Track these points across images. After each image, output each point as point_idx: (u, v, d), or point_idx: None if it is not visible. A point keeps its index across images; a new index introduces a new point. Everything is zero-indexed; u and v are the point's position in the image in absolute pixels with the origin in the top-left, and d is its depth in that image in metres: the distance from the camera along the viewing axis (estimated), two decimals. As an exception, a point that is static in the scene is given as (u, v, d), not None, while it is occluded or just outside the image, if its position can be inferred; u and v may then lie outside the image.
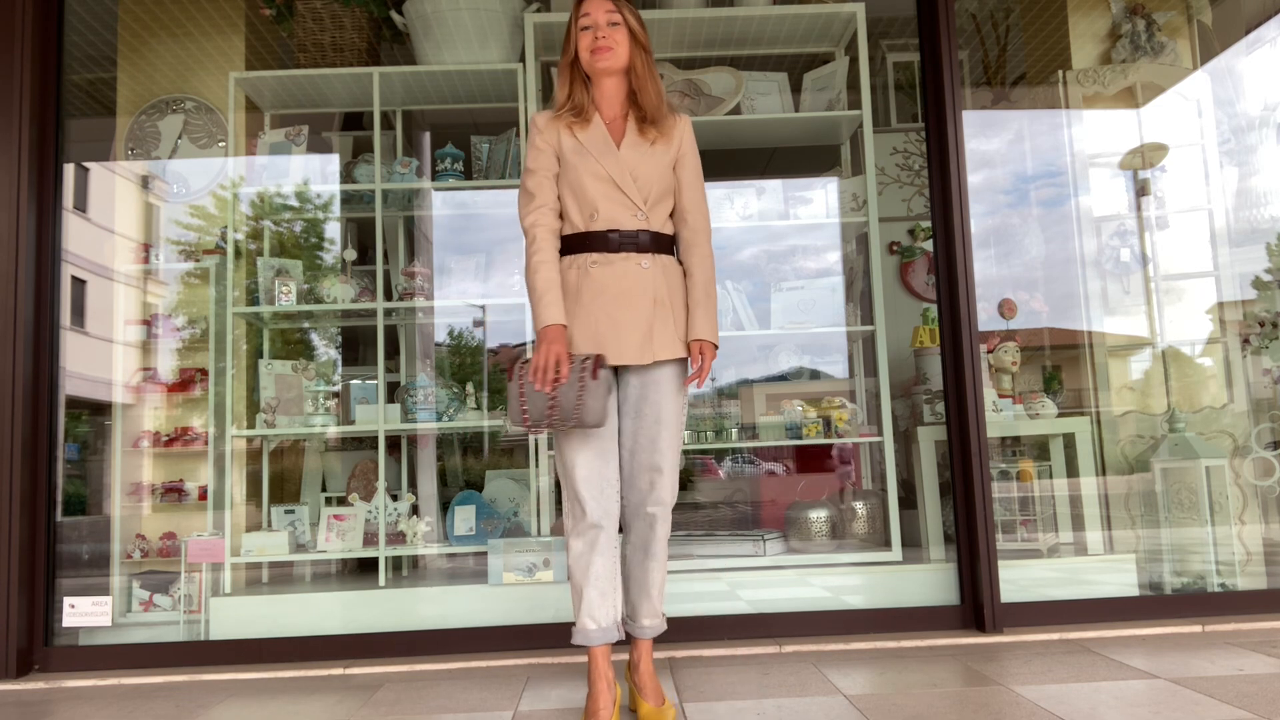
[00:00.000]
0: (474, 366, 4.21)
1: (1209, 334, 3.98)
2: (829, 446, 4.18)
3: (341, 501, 3.78)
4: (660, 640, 3.16)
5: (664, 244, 2.39)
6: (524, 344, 3.94)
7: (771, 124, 3.85)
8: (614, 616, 2.31)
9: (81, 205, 3.77)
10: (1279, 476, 3.63)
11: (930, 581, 3.28)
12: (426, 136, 4.41)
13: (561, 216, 2.40)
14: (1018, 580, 3.27)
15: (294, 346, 4.04)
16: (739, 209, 3.79)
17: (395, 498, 3.70)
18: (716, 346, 2.40)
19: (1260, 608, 3.21)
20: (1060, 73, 4.09)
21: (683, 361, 2.40)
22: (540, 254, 2.33)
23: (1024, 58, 4.32)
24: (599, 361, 2.24)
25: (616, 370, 2.39)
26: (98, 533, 3.57)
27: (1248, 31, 4.05)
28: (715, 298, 2.40)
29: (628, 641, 2.43)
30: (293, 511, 3.69)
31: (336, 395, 3.77)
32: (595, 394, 2.20)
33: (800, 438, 3.66)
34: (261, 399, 3.63)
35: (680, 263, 2.45)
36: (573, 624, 2.32)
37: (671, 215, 2.44)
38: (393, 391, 3.89)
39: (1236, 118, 4.03)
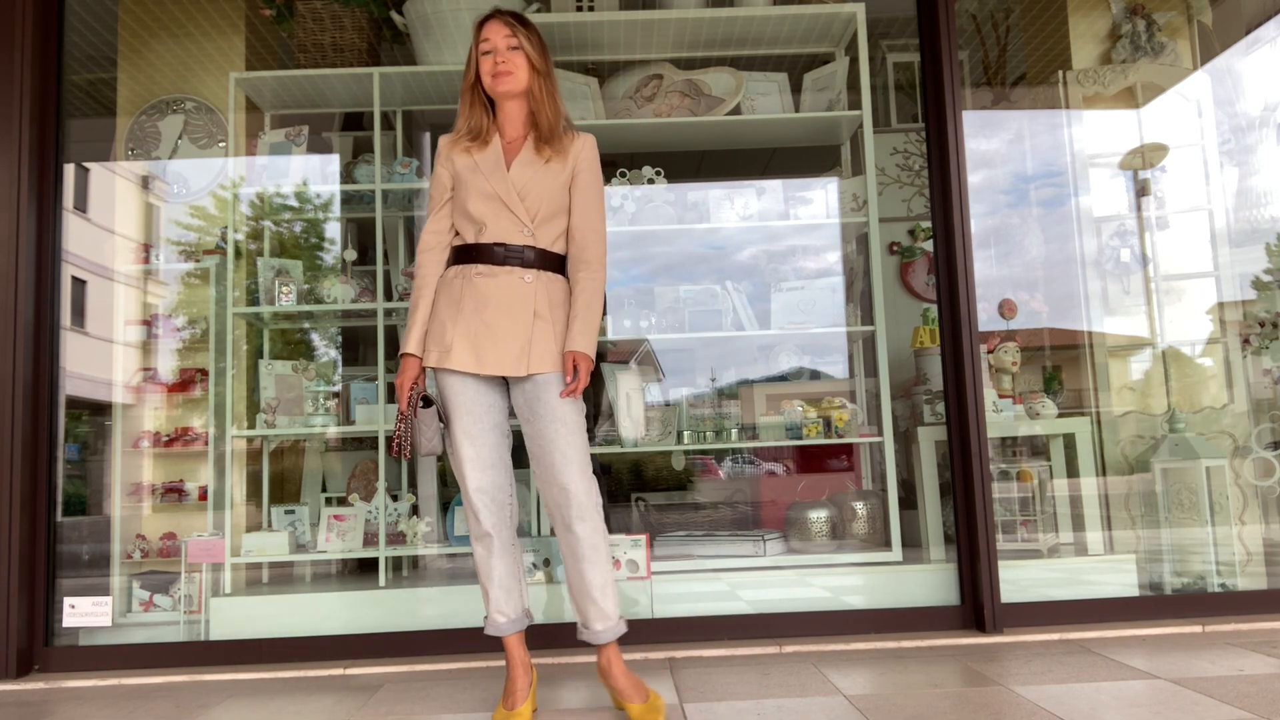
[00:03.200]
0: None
1: (1209, 334, 3.98)
2: (828, 447, 4.18)
3: (342, 502, 3.78)
4: (660, 640, 3.16)
5: (551, 262, 2.47)
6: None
7: (771, 124, 3.85)
8: (520, 607, 2.49)
9: (81, 205, 3.77)
10: (1279, 477, 3.63)
11: (930, 582, 3.29)
12: (426, 137, 4.41)
13: (457, 233, 2.51)
14: (1018, 580, 3.27)
15: (294, 346, 4.04)
16: (739, 209, 3.79)
17: (395, 498, 3.70)
18: (593, 360, 2.44)
19: (1260, 608, 3.21)
20: (1060, 73, 4.09)
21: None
22: (416, 280, 2.50)
23: (1024, 58, 4.32)
24: (421, 399, 2.42)
25: (508, 381, 2.47)
26: (98, 533, 3.57)
27: (1248, 31, 4.05)
28: (597, 313, 2.44)
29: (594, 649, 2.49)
30: (293, 512, 3.69)
31: (336, 395, 3.77)
32: (419, 429, 2.40)
33: (800, 438, 3.66)
34: (262, 399, 3.63)
35: (568, 281, 2.51)
36: (485, 617, 2.49)
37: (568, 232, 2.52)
38: (392, 392, 3.89)
39: (1236, 118, 4.03)
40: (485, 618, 2.48)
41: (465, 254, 2.46)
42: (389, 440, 2.45)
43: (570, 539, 2.37)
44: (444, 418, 2.45)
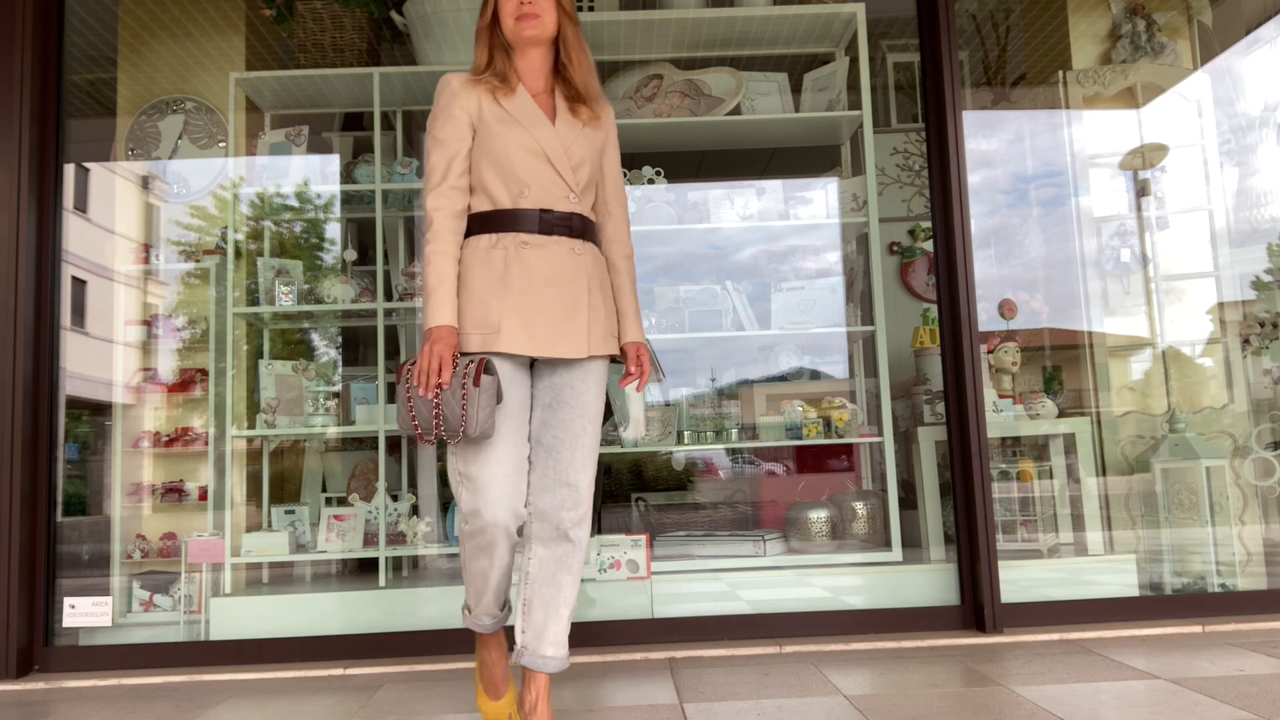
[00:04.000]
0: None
1: (1209, 334, 3.98)
2: (828, 447, 4.18)
3: (342, 502, 3.78)
4: (660, 640, 3.16)
5: (592, 232, 2.22)
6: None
7: (771, 124, 3.85)
8: (505, 607, 2.25)
9: (82, 205, 3.77)
10: (1279, 477, 3.63)
11: (930, 582, 3.28)
12: (427, 137, 4.40)
13: (472, 191, 2.15)
14: (1018, 580, 3.27)
15: (294, 347, 4.04)
16: (739, 209, 3.79)
17: (395, 498, 3.70)
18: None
19: (1260, 608, 3.21)
20: (1060, 73, 4.09)
21: (608, 359, 2.24)
22: (437, 243, 2.08)
23: (1024, 58, 4.32)
24: (482, 366, 1.99)
25: (534, 363, 2.17)
26: (98, 533, 3.57)
27: (1248, 31, 4.05)
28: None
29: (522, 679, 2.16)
30: (293, 512, 3.69)
31: (336, 395, 3.77)
32: (479, 403, 1.96)
33: (800, 438, 3.66)
34: (262, 399, 3.63)
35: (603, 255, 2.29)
36: (465, 608, 2.25)
37: (593, 207, 2.27)
38: (393, 392, 3.89)
39: (1236, 118, 4.03)
40: (466, 611, 2.26)
41: (498, 221, 2.11)
42: (397, 433, 2.16)
43: (564, 548, 2.10)
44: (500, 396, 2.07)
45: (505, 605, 2.28)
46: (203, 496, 3.61)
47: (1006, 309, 3.85)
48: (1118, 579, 3.37)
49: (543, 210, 2.11)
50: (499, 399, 2.03)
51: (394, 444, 3.88)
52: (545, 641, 2.10)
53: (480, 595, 2.19)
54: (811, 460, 4.31)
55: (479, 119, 2.12)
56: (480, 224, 2.13)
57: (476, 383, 1.96)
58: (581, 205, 2.17)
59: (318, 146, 3.95)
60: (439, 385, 1.98)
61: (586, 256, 2.16)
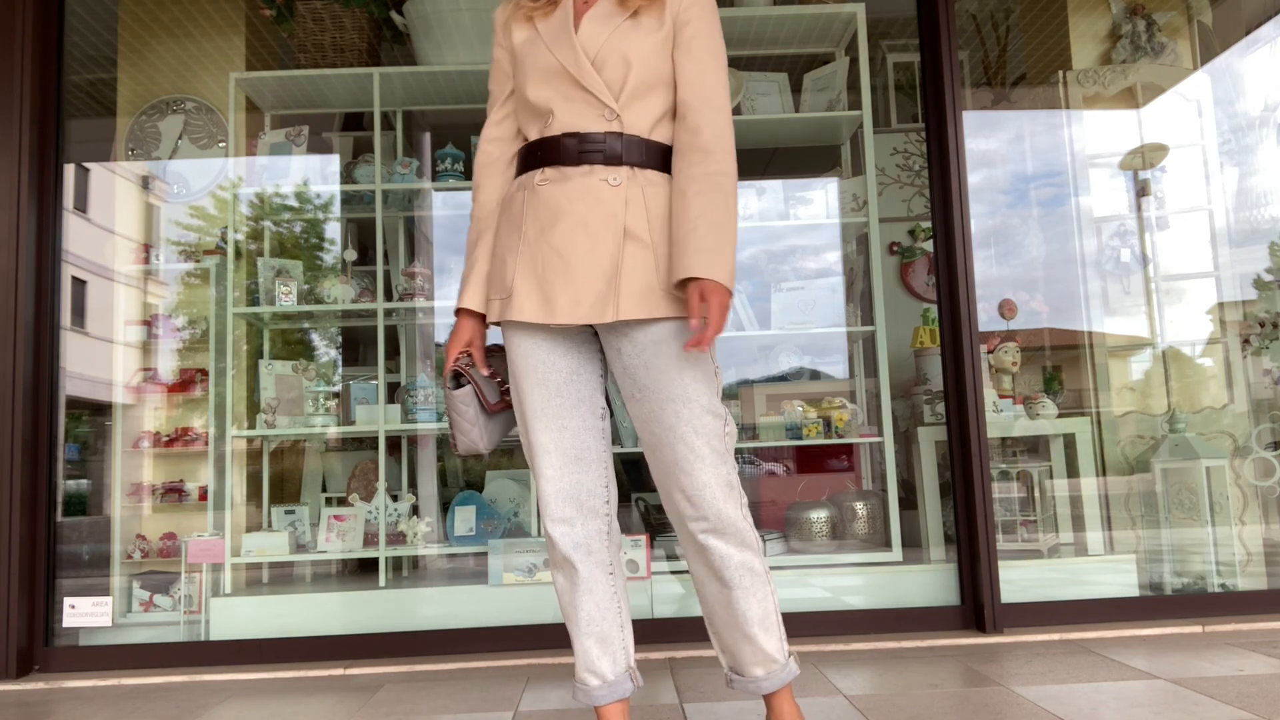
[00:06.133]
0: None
1: (1209, 334, 3.98)
2: (828, 447, 4.18)
3: (342, 502, 3.78)
4: (660, 640, 3.15)
5: (652, 155, 1.75)
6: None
7: (772, 124, 3.85)
8: (625, 664, 1.80)
9: (82, 205, 3.77)
10: (1279, 477, 3.63)
11: (930, 582, 3.28)
12: (427, 137, 4.41)
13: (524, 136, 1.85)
14: (1018, 581, 3.27)
15: (294, 347, 4.04)
16: (739, 209, 3.79)
17: (395, 498, 3.70)
18: (730, 292, 1.67)
19: (1260, 608, 3.21)
20: (1060, 73, 4.09)
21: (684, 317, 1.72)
22: (475, 207, 1.83)
23: (1024, 58, 4.32)
24: (457, 368, 1.75)
25: (597, 333, 1.78)
26: (98, 533, 3.57)
27: (1248, 32, 4.05)
28: (726, 225, 1.71)
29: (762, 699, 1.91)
30: (293, 512, 3.69)
31: (337, 395, 3.77)
32: (458, 412, 1.72)
33: (800, 438, 3.66)
34: (262, 399, 3.63)
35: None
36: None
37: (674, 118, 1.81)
38: (393, 392, 3.89)
39: (1236, 118, 4.03)
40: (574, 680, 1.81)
41: (528, 158, 1.76)
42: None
43: (711, 561, 1.72)
44: (484, 400, 1.76)
45: (624, 668, 1.81)
46: (203, 496, 3.61)
47: (1006, 309, 3.84)
48: (1118, 579, 3.37)
49: (567, 135, 1.71)
50: (487, 409, 1.77)
51: (394, 444, 3.88)
52: (746, 663, 1.79)
53: (573, 636, 1.78)
54: (811, 460, 4.31)
55: (513, 51, 1.82)
56: (518, 167, 1.82)
57: (451, 390, 1.76)
58: (630, 120, 1.72)
59: (318, 146, 3.95)
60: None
61: (631, 188, 1.70)
